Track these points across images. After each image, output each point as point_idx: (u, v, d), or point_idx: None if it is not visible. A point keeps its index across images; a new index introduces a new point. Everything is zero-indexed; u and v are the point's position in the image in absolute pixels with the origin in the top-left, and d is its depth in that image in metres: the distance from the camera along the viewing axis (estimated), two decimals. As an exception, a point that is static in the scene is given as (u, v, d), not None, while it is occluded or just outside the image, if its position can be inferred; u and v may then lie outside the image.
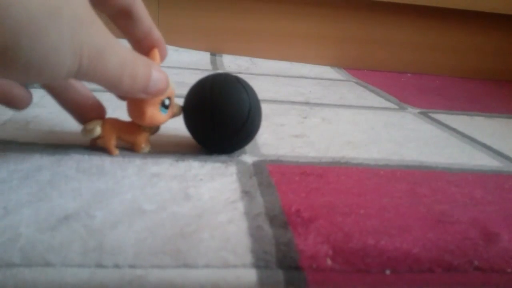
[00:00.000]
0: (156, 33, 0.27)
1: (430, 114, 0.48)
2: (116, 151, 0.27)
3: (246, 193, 0.24)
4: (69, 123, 0.32)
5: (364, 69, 0.77)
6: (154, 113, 0.26)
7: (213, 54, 0.71)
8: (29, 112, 0.34)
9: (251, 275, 0.17)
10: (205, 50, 0.71)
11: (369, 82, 0.64)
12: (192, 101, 0.28)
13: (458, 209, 0.25)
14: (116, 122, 0.27)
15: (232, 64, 0.66)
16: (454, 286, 0.18)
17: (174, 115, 0.28)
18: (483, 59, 0.81)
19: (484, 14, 0.75)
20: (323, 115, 0.42)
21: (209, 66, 0.63)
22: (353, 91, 0.56)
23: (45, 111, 0.34)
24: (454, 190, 0.28)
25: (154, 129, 0.28)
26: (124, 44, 0.22)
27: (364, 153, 0.33)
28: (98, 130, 0.26)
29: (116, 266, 0.17)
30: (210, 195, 0.23)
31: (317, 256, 0.19)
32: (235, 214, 0.22)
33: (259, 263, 0.18)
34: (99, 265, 0.17)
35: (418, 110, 0.49)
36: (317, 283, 0.17)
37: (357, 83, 0.63)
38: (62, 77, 0.19)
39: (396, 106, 0.50)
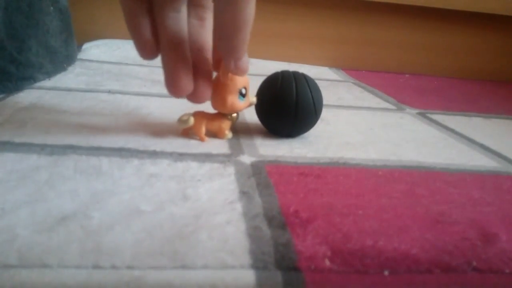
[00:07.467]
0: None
1: (428, 115, 0.48)
2: (206, 138, 0.31)
3: (244, 194, 0.24)
4: (67, 124, 0.32)
5: (362, 69, 0.77)
6: (233, 100, 0.30)
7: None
8: (27, 113, 0.34)
9: (249, 276, 0.17)
10: (203, 50, 0.71)
11: (367, 83, 0.64)
12: (273, 91, 0.32)
13: (456, 210, 0.25)
14: (203, 113, 0.31)
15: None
16: (453, 286, 0.18)
17: (250, 104, 0.32)
18: (481, 60, 0.81)
19: (482, 15, 0.75)
20: (321, 115, 0.42)
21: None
22: (351, 92, 0.56)
23: (43, 112, 0.34)
24: (452, 190, 0.28)
25: (234, 118, 0.32)
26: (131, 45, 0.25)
27: (362, 154, 0.33)
28: (191, 120, 0.30)
29: (114, 267, 0.17)
30: (208, 196, 0.23)
31: (316, 257, 0.19)
32: (233, 215, 0.22)
33: (257, 264, 0.18)
34: (97, 266, 0.17)
35: (416, 111, 0.49)
36: (315, 284, 0.17)
37: (355, 83, 0.63)
38: None
39: (394, 107, 0.50)
